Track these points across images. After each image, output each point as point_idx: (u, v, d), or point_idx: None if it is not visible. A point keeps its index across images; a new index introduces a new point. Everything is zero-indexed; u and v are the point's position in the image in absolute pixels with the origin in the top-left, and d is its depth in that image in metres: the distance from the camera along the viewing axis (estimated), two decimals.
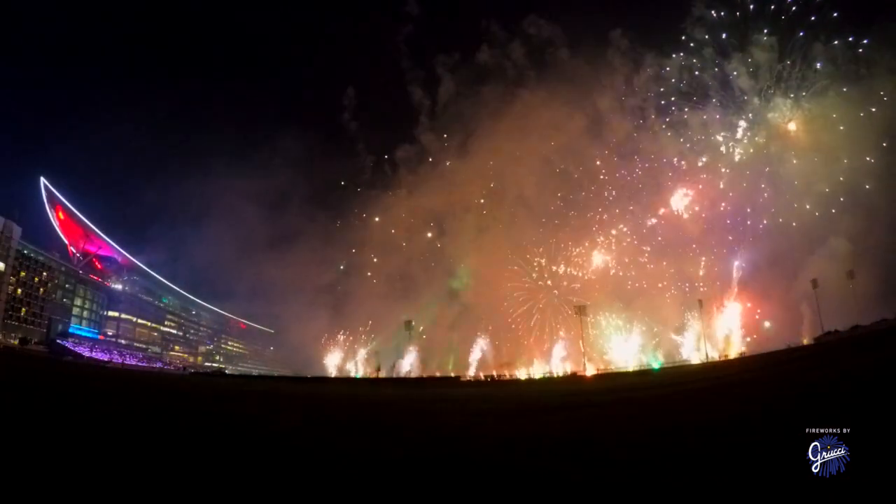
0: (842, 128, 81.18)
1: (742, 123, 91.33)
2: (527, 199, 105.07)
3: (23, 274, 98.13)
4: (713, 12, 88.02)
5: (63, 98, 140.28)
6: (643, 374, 62.45)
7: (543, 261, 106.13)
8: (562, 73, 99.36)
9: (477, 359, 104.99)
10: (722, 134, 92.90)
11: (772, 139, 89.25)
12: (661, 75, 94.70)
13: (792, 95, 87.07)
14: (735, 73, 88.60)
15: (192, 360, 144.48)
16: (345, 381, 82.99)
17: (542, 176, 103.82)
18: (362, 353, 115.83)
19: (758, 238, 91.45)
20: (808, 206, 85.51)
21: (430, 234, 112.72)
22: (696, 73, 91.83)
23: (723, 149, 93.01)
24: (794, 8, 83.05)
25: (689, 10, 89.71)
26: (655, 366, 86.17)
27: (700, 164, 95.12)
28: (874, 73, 78.36)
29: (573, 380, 67.42)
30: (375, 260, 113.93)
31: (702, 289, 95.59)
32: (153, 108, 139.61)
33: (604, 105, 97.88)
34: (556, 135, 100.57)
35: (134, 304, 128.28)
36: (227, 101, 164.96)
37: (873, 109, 77.64)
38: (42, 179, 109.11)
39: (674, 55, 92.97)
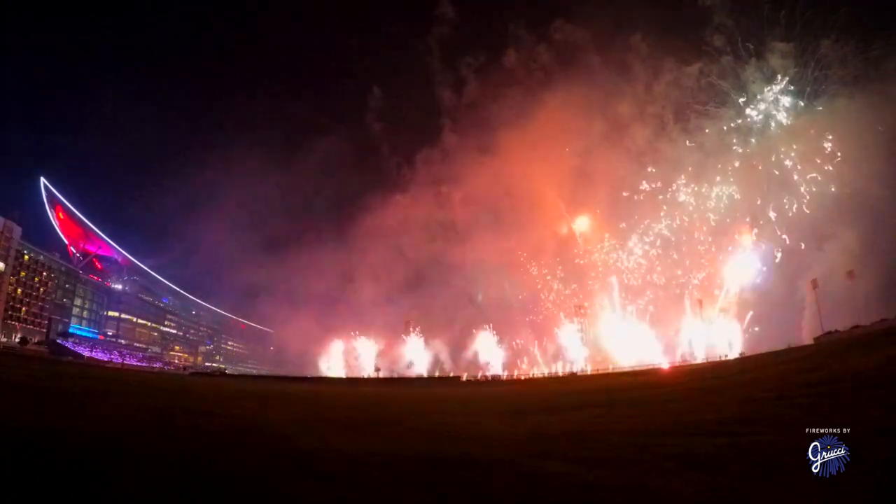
0: (850, 131, 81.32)
1: (753, 126, 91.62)
2: (541, 202, 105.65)
3: (23, 274, 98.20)
4: (731, 20, 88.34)
5: (63, 98, 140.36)
6: (643, 374, 62.47)
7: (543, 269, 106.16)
8: (582, 77, 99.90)
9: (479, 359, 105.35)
10: (734, 137, 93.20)
11: (781, 142, 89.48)
12: (680, 81, 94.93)
13: (803, 100, 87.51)
14: (750, 78, 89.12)
15: (192, 360, 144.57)
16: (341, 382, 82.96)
17: (560, 179, 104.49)
18: (362, 353, 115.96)
19: (762, 238, 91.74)
20: (812, 207, 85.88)
21: (438, 237, 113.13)
22: (714, 78, 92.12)
23: (736, 149, 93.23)
24: (806, 13, 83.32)
25: (710, 18, 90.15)
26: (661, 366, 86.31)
27: (710, 165, 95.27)
28: (884, 77, 78.51)
29: (572, 379, 67.45)
30: (379, 261, 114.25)
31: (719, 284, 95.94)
32: (154, 108, 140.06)
33: (623, 110, 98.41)
34: (576, 138, 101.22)
35: (134, 304, 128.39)
36: (227, 101, 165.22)
37: (881, 113, 77.81)
38: (42, 179, 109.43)
39: (694, 63, 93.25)
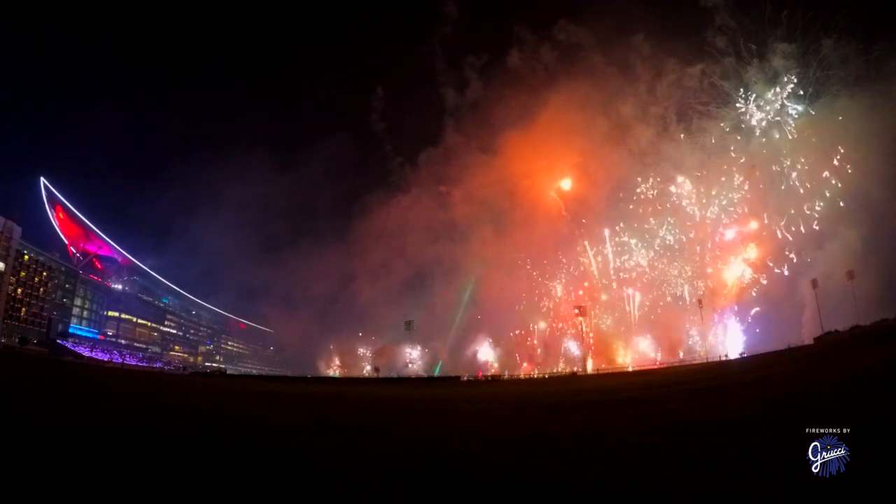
0: (851, 132, 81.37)
1: (756, 127, 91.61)
2: (544, 203, 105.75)
3: (23, 274, 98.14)
4: (734, 20, 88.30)
5: (63, 98, 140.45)
6: (643, 374, 62.48)
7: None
8: (585, 77, 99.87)
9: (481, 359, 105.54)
10: (737, 140, 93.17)
11: (783, 142, 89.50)
12: (682, 82, 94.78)
13: (805, 102, 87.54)
14: (753, 79, 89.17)
15: (192, 360, 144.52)
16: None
17: (562, 179, 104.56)
18: (362, 352, 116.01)
19: (762, 239, 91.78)
20: (815, 207, 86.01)
21: (440, 237, 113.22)
22: (716, 79, 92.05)
23: (739, 155, 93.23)
24: (808, 13, 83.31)
25: (711, 19, 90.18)
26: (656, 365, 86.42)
27: (713, 167, 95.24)
28: (884, 77, 78.52)
29: (572, 379, 67.42)
30: (379, 261, 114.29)
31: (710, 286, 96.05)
32: (154, 108, 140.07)
33: (626, 111, 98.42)
34: (579, 139, 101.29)
35: (134, 304, 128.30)
36: (228, 101, 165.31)
37: (883, 113, 77.85)
38: (42, 179, 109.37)
39: (696, 64, 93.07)
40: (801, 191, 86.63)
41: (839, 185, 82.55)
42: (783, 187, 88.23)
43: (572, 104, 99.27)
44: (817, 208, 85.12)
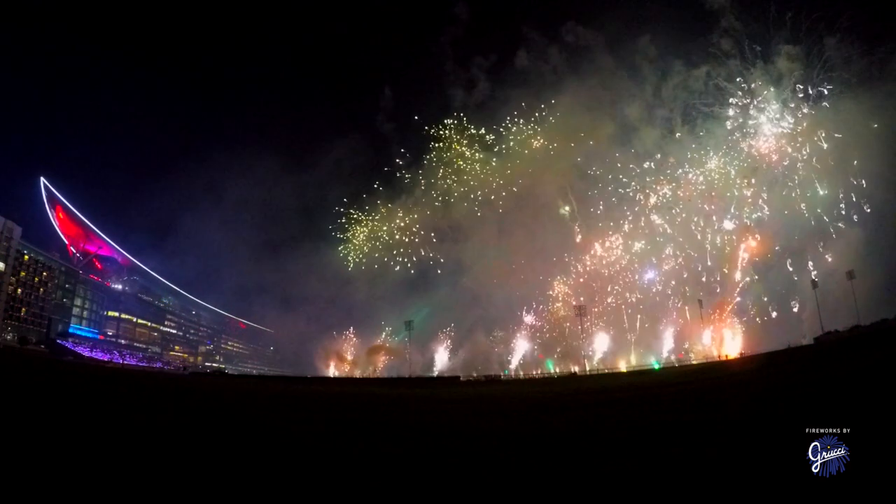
0: (853, 132, 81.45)
1: (760, 128, 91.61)
2: (546, 203, 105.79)
3: (23, 274, 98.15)
4: (739, 22, 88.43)
5: (63, 98, 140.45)
6: (643, 374, 62.48)
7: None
8: (589, 78, 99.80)
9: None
10: (740, 142, 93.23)
11: (785, 143, 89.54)
12: (687, 84, 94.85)
13: (808, 103, 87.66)
14: (757, 81, 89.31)
15: (192, 360, 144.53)
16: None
17: (566, 181, 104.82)
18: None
19: (763, 237, 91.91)
20: (816, 208, 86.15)
21: (443, 238, 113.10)
22: (720, 81, 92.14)
23: (733, 156, 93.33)
24: (812, 15, 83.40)
25: (717, 22, 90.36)
26: (655, 366, 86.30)
27: (716, 166, 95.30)
28: (887, 78, 78.56)
29: (572, 379, 67.44)
30: (379, 260, 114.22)
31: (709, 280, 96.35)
32: (155, 108, 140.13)
33: (632, 112, 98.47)
34: (583, 139, 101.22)
35: (134, 304, 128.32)
36: (229, 100, 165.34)
37: (885, 113, 77.86)
38: (42, 179, 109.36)
39: (701, 66, 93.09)
40: (813, 221, 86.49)
41: (855, 218, 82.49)
42: (788, 212, 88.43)
43: (577, 105, 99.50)
44: (831, 230, 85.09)
